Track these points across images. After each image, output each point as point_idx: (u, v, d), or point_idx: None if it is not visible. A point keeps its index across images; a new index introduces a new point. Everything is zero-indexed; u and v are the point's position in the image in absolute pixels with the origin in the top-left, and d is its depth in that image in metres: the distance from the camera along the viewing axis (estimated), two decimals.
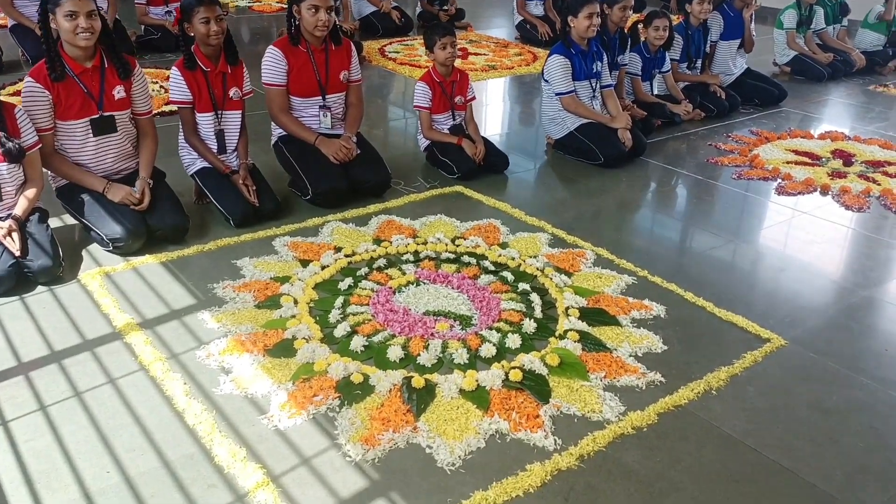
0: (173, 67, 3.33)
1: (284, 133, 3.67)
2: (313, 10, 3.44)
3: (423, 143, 4.21)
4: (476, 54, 7.03)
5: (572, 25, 4.25)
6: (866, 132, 5.12)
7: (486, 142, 4.20)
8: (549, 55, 4.40)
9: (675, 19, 5.57)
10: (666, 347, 2.59)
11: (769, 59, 6.77)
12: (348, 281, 2.92)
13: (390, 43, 7.29)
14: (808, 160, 4.47)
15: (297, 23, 3.53)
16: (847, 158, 4.48)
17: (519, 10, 7.73)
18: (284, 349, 2.46)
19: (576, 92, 4.35)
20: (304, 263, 3.05)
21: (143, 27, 6.65)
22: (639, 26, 5.11)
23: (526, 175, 4.29)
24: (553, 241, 3.35)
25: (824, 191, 4.03)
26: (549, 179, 4.33)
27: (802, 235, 3.57)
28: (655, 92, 5.23)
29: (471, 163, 4.02)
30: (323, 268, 3.02)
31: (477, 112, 5.30)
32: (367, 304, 2.78)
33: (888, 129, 5.18)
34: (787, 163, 4.42)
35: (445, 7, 8.23)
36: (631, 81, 5.07)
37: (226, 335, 2.53)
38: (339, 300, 2.80)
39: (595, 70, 4.40)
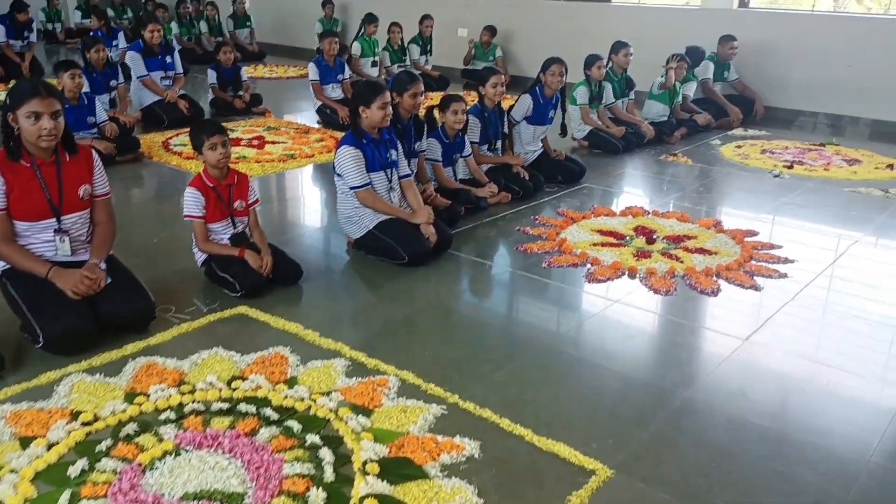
0: None
1: (9, 266, 2.96)
2: (33, 118, 2.82)
3: (200, 257, 3.63)
4: (274, 143, 6.56)
5: (365, 116, 3.92)
6: (663, 204, 5.21)
7: (275, 250, 3.70)
8: (339, 146, 4.03)
9: (470, 100, 5.44)
10: (481, 501, 2.19)
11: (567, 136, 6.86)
12: (82, 463, 2.26)
13: (177, 135, 6.63)
14: (614, 240, 4.39)
15: (16, 133, 2.89)
16: (649, 235, 4.45)
17: (316, 94, 7.39)
18: None
19: (371, 184, 3.99)
20: (25, 443, 2.35)
21: None
22: (434, 111, 4.90)
23: (324, 283, 3.82)
24: (351, 369, 2.89)
25: (632, 274, 3.91)
26: (351, 284, 3.90)
27: (617, 330, 3.37)
28: (460, 177, 5.03)
29: (256, 277, 3.50)
30: (50, 447, 2.34)
31: (268, 212, 4.82)
32: (105, 496, 2.14)
33: (683, 200, 5.31)
34: (594, 245, 4.31)
35: (240, 93, 7.74)
36: (432, 168, 4.83)
37: None
38: (66, 495, 2.13)
39: (390, 159, 4.08)
